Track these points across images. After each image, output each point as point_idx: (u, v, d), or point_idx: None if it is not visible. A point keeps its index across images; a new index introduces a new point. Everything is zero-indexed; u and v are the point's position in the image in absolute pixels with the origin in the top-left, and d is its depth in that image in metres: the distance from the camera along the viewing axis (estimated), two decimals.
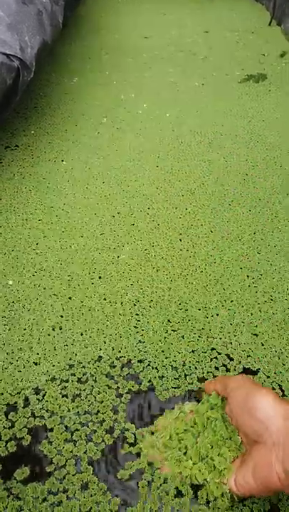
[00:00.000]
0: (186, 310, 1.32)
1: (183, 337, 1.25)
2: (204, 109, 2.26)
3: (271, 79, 2.57)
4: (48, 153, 1.90)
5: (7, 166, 1.80)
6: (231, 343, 1.24)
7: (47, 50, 2.04)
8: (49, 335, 1.25)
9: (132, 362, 1.18)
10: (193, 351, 1.21)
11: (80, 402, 1.09)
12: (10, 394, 1.11)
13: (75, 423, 1.05)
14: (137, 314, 1.30)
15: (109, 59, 2.71)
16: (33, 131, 2.02)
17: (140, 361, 1.19)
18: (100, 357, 1.20)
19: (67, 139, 1.99)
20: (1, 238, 1.50)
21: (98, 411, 1.07)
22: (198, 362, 1.19)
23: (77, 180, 1.77)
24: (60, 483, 0.95)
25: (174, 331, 1.26)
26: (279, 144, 2.02)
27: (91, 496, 0.92)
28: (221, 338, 1.25)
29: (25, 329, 1.26)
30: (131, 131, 2.08)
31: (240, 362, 1.19)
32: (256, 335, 1.25)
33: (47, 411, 1.07)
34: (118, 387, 1.13)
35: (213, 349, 1.22)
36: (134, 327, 1.27)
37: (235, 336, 1.25)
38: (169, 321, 1.29)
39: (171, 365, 1.18)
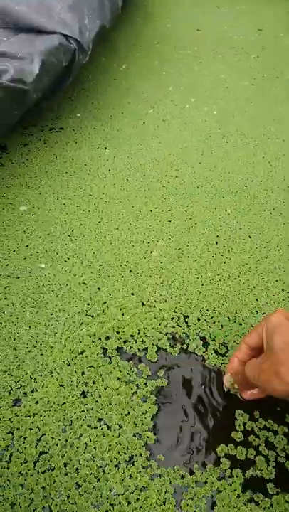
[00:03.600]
0: (214, 317, 1.29)
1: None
2: (252, 110, 2.20)
3: None
4: (92, 139, 1.88)
5: (50, 147, 1.80)
6: None
7: (103, 35, 2.01)
8: (73, 322, 1.25)
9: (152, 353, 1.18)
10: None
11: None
12: (29, 377, 1.12)
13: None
14: (160, 310, 1.29)
15: (160, 49, 2.66)
16: (78, 115, 2.00)
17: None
18: (120, 348, 1.19)
19: (111, 126, 1.97)
20: (38, 221, 1.50)
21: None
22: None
23: (118, 170, 1.75)
24: None
25: (197, 334, 1.24)
26: None
27: None
28: None
29: (51, 314, 1.26)
30: (176, 124, 2.03)
31: None
32: None
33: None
34: (138, 385, 1.12)
35: None
36: (152, 318, 1.26)
37: None
38: (194, 324, 1.27)
39: None
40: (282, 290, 1.36)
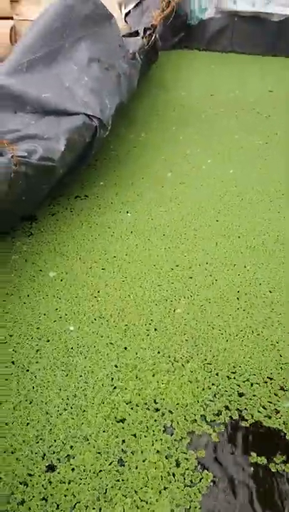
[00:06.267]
0: (238, 373, 1.30)
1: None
2: (267, 167, 2.30)
3: None
4: (115, 204, 2.01)
5: (76, 215, 1.93)
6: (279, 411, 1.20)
7: (122, 109, 2.21)
8: (103, 385, 1.28)
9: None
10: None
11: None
12: (62, 442, 1.15)
13: None
14: (191, 372, 1.31)
15: (176, 115, 2.87)
16: (102, 183, 2.16)
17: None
18: (157, 409, 1.21)
19: (132, 191, 2.10)
20: (66, 285, 1.59)
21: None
22: None
23: (140, 231, 1.85)
24: None
25: (225, 390, 1.25)
26: None
27: None
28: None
29: (81, 376, 1.30)
30: (194, 185, 2.15)
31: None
32: None
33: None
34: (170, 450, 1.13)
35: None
36: (187, 383, 1.27)
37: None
38: (219, 382, 1.28)
39: None
40: None
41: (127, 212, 1.97)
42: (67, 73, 1.97)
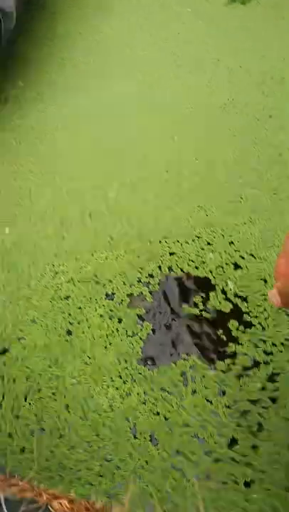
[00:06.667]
0: (169, 238, 1.37)
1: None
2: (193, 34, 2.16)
3: None
4: (37, 104, 1.92)
5: None
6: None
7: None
8: (44, 273, 1.35)
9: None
10: None
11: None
12: (11, 328, 1.25)
13: None
14: (126, 244, 1.38)
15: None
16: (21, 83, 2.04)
17: None
18: (98, 282, 1.30)
19: (54, 86, 1.99)
20: None
21: None
22: None
23: (66, 126, 1.80)
24: None
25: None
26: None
27: None
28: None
29: (22, 271, 1.37)
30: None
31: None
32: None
33: None
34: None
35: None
36: (123, 255, 1.35)
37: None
38: (151, 248, 1.36)
39: None
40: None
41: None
42: None
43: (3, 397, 1.13)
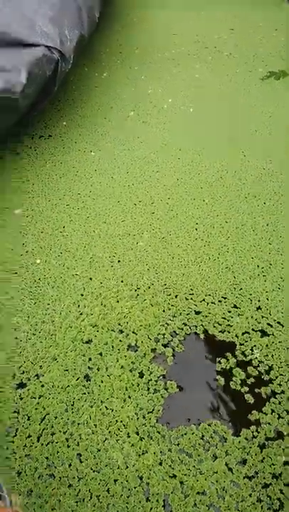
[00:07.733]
0: (195, 294, 1.40)
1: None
2: (227, 104, 2.31)
3: None
4: (78, 143, 2.00)
5: (40, 154, 1.92)
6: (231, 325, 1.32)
7: (83, 44, 2.14)
8: (70, 311, 1.36)
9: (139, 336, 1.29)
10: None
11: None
12: (31, 362, 1.23)
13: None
14: (152, 296, 1.40)
15: (140, 54, 2.79)
16: (64, 123, 2.13)
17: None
18: (121, 331, 1.30)
19: (96, 130, 2.09)
20: (32, 221, 1.62)
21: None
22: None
23: (104, 170, 1.87)
24: None
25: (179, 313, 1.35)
26: None
27: None
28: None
29: (48, 304, 1.37)
30: (156, 124, 2.15)
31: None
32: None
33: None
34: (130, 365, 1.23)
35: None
36: (148, 307, 1.37)
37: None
38: (177, 303, 1.38)
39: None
40: (257, 266, 1.47)
41: (91, 151, 1.97)
42: (27, 2, 1.88)
43: (15, 433, 1.10)
